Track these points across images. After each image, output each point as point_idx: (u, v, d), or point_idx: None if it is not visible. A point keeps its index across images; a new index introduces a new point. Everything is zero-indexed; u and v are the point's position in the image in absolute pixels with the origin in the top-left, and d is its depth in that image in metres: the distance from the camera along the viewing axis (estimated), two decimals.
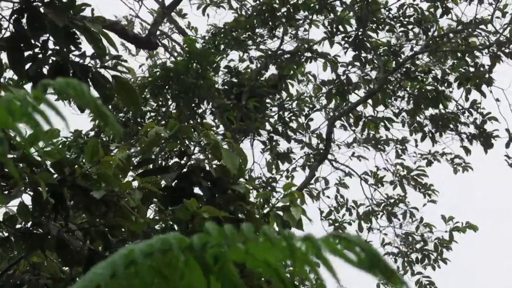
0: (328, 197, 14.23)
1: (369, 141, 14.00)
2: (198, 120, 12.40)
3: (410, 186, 14.01)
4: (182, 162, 5.01)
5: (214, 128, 12.91)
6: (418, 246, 14.00)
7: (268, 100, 13.26)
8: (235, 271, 1.12)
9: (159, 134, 4.84)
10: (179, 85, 11.80)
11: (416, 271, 13.91)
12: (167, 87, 11.98)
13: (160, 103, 12.35)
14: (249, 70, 13.23)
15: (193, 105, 12.25)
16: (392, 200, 14.13)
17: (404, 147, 14.05)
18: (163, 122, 11.98)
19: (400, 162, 14.17)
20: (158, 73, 12.29)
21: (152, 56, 14.30)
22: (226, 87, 12.87)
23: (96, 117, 1.33)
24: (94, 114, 1.31)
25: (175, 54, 14.21)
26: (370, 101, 13.67)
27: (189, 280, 1.13)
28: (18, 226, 4.78)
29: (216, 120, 12.95)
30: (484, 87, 12.81)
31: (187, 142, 4.98)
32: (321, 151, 13.49)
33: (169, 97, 12.20)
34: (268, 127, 13.34)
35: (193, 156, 5.02)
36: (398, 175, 14.10)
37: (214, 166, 4.96)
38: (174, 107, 12.32)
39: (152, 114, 12.39)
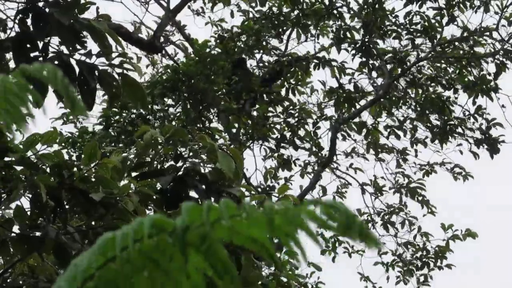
0: None
1: (369, 149, 13.88)
2: (206, 124, 12.39)
3: (408, 197, 13.90)
4: (178, 165, 5.03)
5: (222, 133, 12.89)
6: (418, 254, 13.85)
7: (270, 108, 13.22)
8: (223, 249, 1.11)
9: (155, 137, 4.85)
10: (189, 87, 11.78)
11: (421, 280, 13.77)
12: (175, 88, 11.94)
13: (167, 101, 12.29)
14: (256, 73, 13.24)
15: (200, 107, 12.23)
16: (391, 209, 14.01)
17: (404, 156, 13.96)
18: (173, 123, 11.98)
19: (400, 171, 14.05)
20: (167, 74, 12.25)
21: (154, 63, 14.24)
22: (236, 91, 12.84)
23: (64, 98, 1.38)
24: (63, 94, 1.35)
25: (180, 59, 14.09)
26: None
27: (178, 262, 1.11)
28: (15, 229, 4.77)
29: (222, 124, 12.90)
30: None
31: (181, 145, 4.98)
32: (325, 156, 13.40)
33: (176, 98, 12.16)
34: (275, 133, 13.26)
35: (188, 159, 5.03)
36: (397, 185, 13.98)
37: (209, 169, 4.98)
38: (181, 109, 12.27)
39: (160, 114, 12.31)
